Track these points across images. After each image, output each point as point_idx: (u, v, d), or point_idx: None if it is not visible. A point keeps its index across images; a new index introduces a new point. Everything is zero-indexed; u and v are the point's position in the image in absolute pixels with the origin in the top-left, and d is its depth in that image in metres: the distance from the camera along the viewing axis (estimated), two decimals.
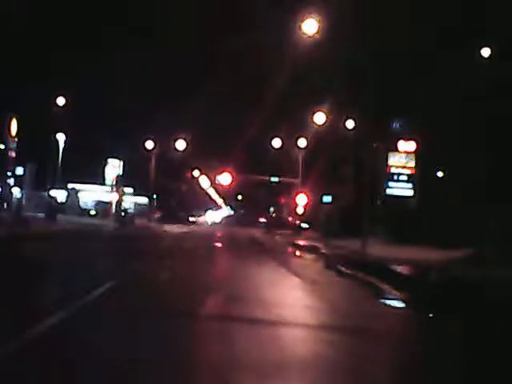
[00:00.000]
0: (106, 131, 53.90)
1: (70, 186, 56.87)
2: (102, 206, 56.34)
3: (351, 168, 45.18)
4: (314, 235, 41.61)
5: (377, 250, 24.68)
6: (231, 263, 18.86)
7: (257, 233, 48.26)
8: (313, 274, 16.38)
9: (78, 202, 46.13)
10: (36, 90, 44.49)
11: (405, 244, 27.32)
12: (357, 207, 39.50)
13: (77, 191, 49.47)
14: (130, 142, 57.47)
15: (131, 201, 65.08)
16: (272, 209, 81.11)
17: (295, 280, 14.51)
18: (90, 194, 59.86)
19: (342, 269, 17.01)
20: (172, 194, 76.76)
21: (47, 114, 45.25)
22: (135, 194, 66.50)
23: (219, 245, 28.91)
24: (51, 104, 45.98)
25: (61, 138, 42.66)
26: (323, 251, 25.22)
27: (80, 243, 22.46)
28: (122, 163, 60.92)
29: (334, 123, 46.99)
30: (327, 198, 47.20)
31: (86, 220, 39.48)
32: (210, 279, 13.00)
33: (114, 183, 50.02)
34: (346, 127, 44.44)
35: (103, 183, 60.78)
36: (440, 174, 37.39)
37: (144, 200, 66.42)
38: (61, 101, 47.29)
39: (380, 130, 30.62)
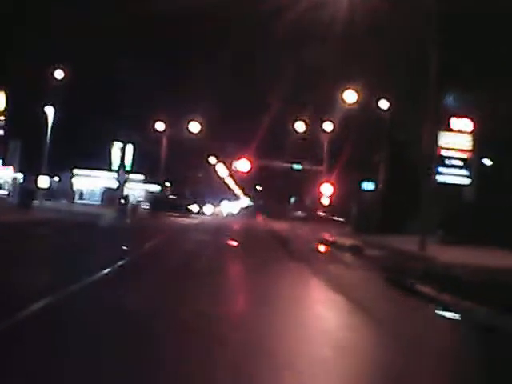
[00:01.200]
0: (112, 111, 48.78)
1: (73, 170, 52.19)
2: (111, 194, 51.17)
3: (386, 153, 39.42)
4: (343, 230, 35.79)
5: (441, 252, 18.88)
6: (245, 283, 11.97)
7: (278, 226, 42.54)
8: (380, 305, 9.79)
9: (72, 187, 40.62)
10: (32, 63, 39.59)
11: (466, 244, 21.69)
12: (396, 198, 34.03)
13: (71, 176, 43.97)
14: (139, 124, 52.19)
15: (141, 188, 60.54)
16: (293, 199, 75.70)
17: (365, 332, 7.51)
18: (89, 180, 53.97)
19: (421, 289, 10.42)
20: (186, 182, 71.47)
21: (42, 87, 40.05)
22: (146, 181, 62.04)
23: (234, 243, 22.52)
24: (48, 77, 41.01)
25: (50, 112, 36.42)
26: (369, 253, 19.39)
27: (26, 241, 15.79)
28: (129, 147, 55.53)
29: (366, 102, 41.38)
30: (368, 185, 38.80)
31: (77, 208, 33.89)
32: (198, 342, 6.26)
33: (117, 169, 44.67)
34: (378, 106, 38.57)
35: (110, 168, 55.45)
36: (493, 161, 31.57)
37: (156, 188, 61.65)
38: (59, 74, 42.37)
39: (428, 105, 24.63)
